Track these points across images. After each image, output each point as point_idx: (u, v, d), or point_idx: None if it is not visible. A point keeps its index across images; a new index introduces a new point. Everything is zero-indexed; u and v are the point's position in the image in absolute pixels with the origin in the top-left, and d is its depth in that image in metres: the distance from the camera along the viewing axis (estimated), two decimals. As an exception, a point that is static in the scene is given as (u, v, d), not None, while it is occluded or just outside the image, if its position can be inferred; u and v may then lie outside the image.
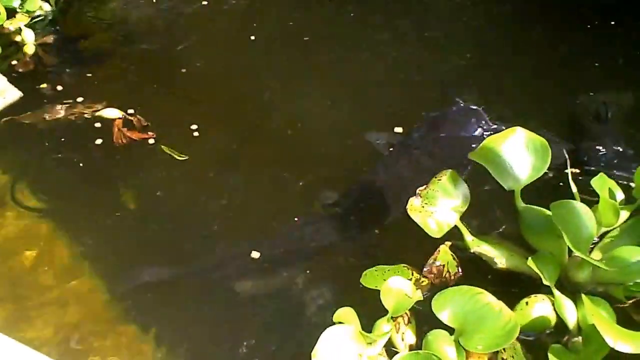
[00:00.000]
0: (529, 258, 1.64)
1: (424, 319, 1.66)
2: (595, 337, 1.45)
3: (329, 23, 2.85)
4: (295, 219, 2.00)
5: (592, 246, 1.73)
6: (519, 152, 1.75)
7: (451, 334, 1.56)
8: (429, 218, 1.72)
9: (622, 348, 1.38)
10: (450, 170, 1.77)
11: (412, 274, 1.73)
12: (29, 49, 2.73)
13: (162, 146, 2.28)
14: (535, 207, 1.76)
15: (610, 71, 2.43)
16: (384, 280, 1.65)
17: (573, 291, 1.68)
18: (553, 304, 1.63)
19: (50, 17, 2.92)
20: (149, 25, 2.90)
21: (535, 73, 2.48)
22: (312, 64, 2.63)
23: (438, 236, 1.72)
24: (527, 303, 1.63)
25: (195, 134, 2.35)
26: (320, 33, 2.76)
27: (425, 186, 1.76)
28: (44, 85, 2.55)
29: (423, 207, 1.74)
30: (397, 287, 1.63)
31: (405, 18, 2.80)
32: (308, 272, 1.87)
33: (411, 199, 1.75)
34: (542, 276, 1.60)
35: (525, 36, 2.65)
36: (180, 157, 2.25)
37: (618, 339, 1.39)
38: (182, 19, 2.90)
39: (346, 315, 1.60)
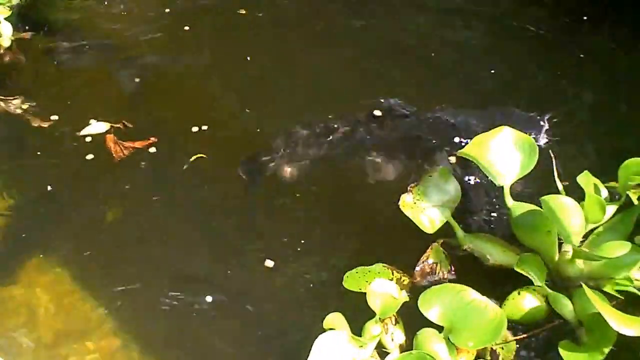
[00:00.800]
0: (516, 263, 1.66)
1: (410, 318, 1.67)
2: (597, 327, 1.49)
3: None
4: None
5: (579, 244, 1.76)
6: (507, 150, 1.79)
7: (439, 332, 1.58)
8: (421, 214, 1.74)
9: (625, 331, 1.41)
10: (440, 166, 1.80)
11: (393, 274, 1.75)
12: (4, 42, 2.67)
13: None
14: (524, 203, 1.79)
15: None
16: (366, 282, 1.68)
17: (565, 287, 1.70)
18: (544, 297, 1.66)
19: (16, 11, 2.85)
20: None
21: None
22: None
23: (431, 232, 1.73)
24: (519, 293, 1.67)
25: (194, 129, 2.33)
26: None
27: (416, 182, 1.78)
28: (17, 102, 2.46)
29: (415, 203, 1.75)
30: (382, 289, 1.65)
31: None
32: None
33: (403, 195, 1.77)
34: (531, 277, 1.63)
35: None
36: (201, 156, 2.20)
37: (621, 323, 1.41)
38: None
39: (335, 320, 1.62)
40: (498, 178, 1.76)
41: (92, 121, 2.35)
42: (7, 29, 2.69)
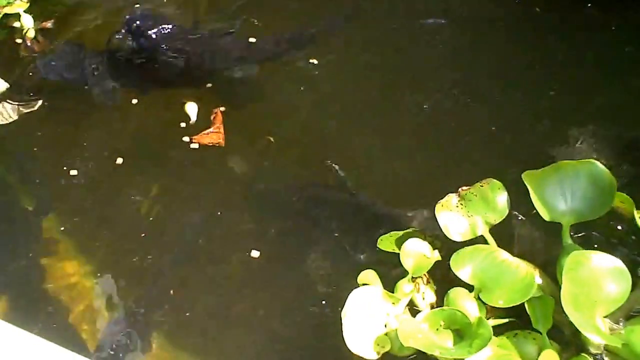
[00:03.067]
0: (528, 299, 1.59)
1: (440, 280, 1.75)
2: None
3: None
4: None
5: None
6: (581, 185, 1.71)
7: (470, 292, 1.64)
8: (457, 220, 1.74)
9: None
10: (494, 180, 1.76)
11: (425, 238, 1.78)
12: (30, 33, 2.70)
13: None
14: (584, 252, 1.64)
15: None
16: (400, 242, 1.76)
17: (580, 349, 1.61)
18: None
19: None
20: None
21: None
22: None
23: (457, 240, 1.73)
24: (515, 335, 1.60)
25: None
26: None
27: (468, 187, 1.78)
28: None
29: (457, 206, 1.76)
30: (416, 248, 1.74)
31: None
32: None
33: (450, 194, 1.77)
34: (533, 319, 1.58)
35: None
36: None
37: None
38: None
39: (369, 276, 1.72)
40: (553, 213, 1.70)
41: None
42: (29, 21, 2.70)
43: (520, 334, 1.60)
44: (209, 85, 2.44)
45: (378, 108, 2.29)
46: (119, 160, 2.19)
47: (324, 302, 1.82)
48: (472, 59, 2.42)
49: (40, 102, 2.41)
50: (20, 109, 2.37)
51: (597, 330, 1.49)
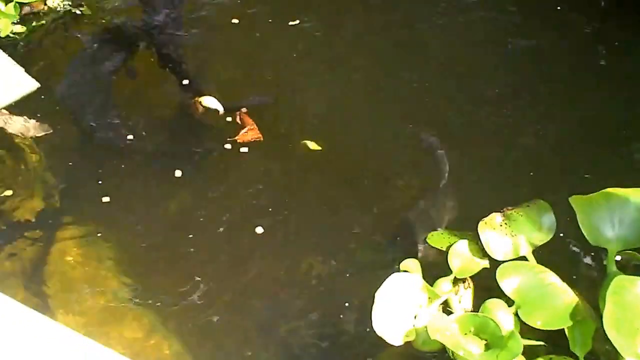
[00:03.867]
0: (569, 325, 1.59)
1: (480, 289, 1.73)
2: None
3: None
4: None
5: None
6: (630, 213, 1.70)
7: (509, 305, 1.63)
8: (499, 240, 1.74)
9: None
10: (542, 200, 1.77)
11: (477, 243, 1.78)
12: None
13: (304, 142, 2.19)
14: (630, 276, 1.62)
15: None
16: (449, 243, 1.78)
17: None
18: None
19: None
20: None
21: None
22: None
23: (499, 259, 1.72)
24: (550, 359, 1.58)
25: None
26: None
27: (513, 207, 1.79)
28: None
29: (501, 225, 1.77)
30: (466, 250, 1.75)
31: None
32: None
33: (494, 213, 1.77)
34: (571, 342, 1.56)
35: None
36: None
37: None
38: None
39: (411, 265, 1.74)
40: (600, 239, 1.69)
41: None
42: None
43: (555, 358, 1.58)
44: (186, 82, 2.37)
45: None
46: (178, 173, 2.13)
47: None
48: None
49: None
50: (38, 127, 2.28)
51: (638, 357, 1.47)
